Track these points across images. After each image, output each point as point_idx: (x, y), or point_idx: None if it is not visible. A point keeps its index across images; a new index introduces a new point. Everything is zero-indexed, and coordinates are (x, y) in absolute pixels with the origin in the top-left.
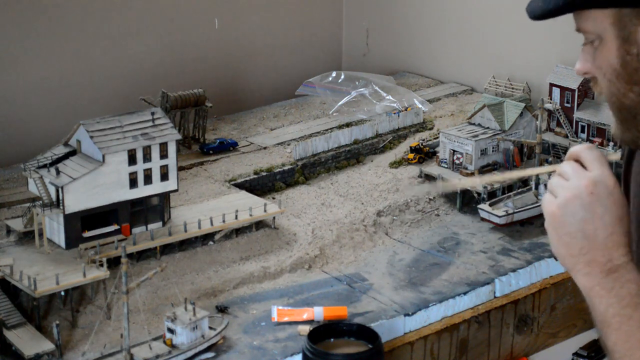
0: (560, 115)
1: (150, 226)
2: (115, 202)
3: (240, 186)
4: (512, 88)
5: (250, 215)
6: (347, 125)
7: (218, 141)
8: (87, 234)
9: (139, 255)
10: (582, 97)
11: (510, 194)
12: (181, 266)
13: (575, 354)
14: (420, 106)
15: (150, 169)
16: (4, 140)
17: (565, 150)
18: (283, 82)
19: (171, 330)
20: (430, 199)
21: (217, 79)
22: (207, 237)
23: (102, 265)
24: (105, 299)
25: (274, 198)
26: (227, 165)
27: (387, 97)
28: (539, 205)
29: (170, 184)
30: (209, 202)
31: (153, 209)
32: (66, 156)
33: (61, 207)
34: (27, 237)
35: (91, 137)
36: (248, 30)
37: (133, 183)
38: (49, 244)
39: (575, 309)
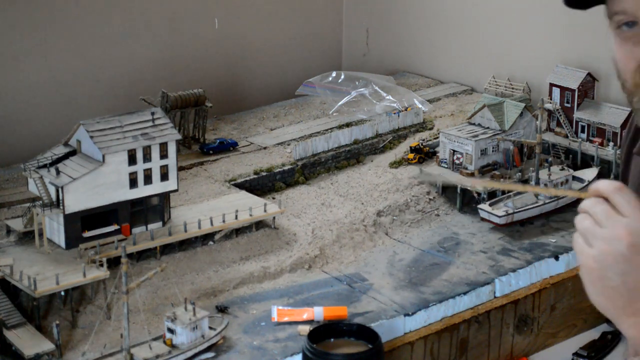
0: (560, 115)
1: (150, 226)
2: (115, 202)
3: (240, 186)
4: (512, 88)
5: (250, 215)
6: (347, 125)
7: (218, 141)
8: (87, 234)
9: (139, 255)
10: (582, 97)
11: (510, 194)
12: (181, 266)
13: (575, 354)
14: (420, 106)
15: (150, 169)
16: (4, 140)
17: (565, 150)
18: (283, 82)
19: (171, 330)
20: (430, 199)
21: (217, 79)
22: (207, 237)
23: (102, 265)
24: (105, 299)
25: (274, 198)
26: (227, 165)
27: (387, 97)
28: (539, 205)
29: (170, 184)
30: (209, 202)
31: (153, 209)
32: (66, 156)
33: (61, 207)
34: (27, 237)
35: (91, 137)
36: (248, 30)
37: (133, 183)
38: (49, 244)
39: (575, 309)
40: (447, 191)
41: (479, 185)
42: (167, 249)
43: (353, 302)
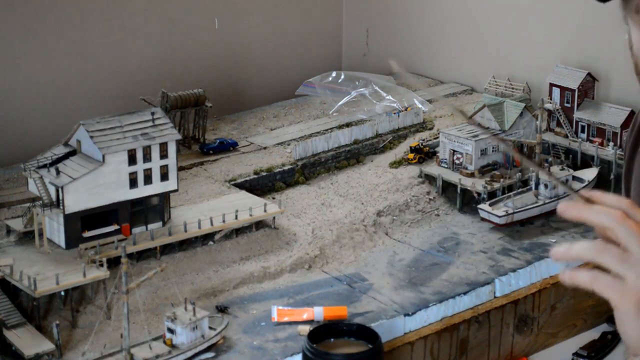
0: (560, 115)
1: (150, 226)
2: (115, 202)
3: (240, 186)
4: (512, 88)
5: (250, 215)
6: (347, 125)
7: (218, 141)
8: (87, 234)
9: (139, 255)
10: (582, 97)
11: (510, 194)
12: (181, 266)
13: (575, 354)
14: (420, 106)
15: (150, 169)
16: (4, 140)
17: (565, 150)
18: (283, 82)
19: (171, 330)
20: (430, 199)
21: (217, 79)
22: (207, 237)
23: (102, 265)
24: (105, 299)
25: (274, 198)
26: (227, 165)
27: (387, 97)
28: (539, 205)
29: (170, 184)
30: (209, 202)
31: (153, 209)
32: (66, 156)
33: (61, 207)
34: (27, 237)
35: (91, 137)
36: (248, 30)
37: (133, 183)
38: (49, 244)
39: (575, 309)
40: (447, 191)
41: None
42: (167, 249)
43: (353, 302)
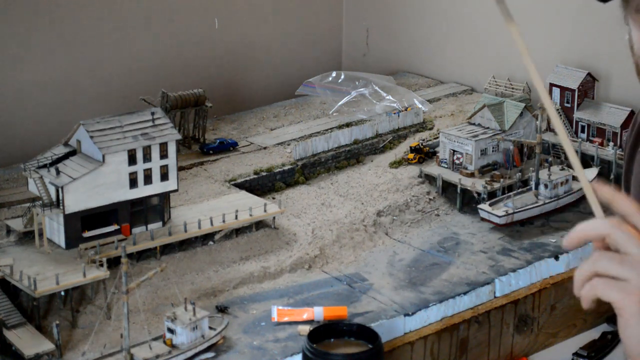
0: (561, 115)
1: (150, 226)
2: (115, 202)
3: (240, 186)
4: (512, 88)
5: (250, 215)
6: (347, 125)
7: (218, 141)
8: (87, 234)
9: (139, 255)
10: (582, 97)
11: (510, 194)
12: (181, 266)
13: (575, 354)
14: (420, 106)
15: (150, 169)
16: (4, 140)
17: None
18: (283, 82)
19: (171, 330)
20: (430, 199)
21: (217, 79)
22: (207, 237)
23: (102, 265)
24: (105, 299)
25: (274, 198)
26: (227, 165)
27: (387, 97)
28: (539, 205)
29: (170, 184)
30: (209, 202)
31: (153, 209)
32: (66, 156)
33: (61, 207)
34: (27, 237)
35: (91, 137)
36: (248, 30)
37: (133, 183)
38: (49, 244)
39: (575, 309)
40: (447, 191)
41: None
42: (167, 249)
43: (353, 302)
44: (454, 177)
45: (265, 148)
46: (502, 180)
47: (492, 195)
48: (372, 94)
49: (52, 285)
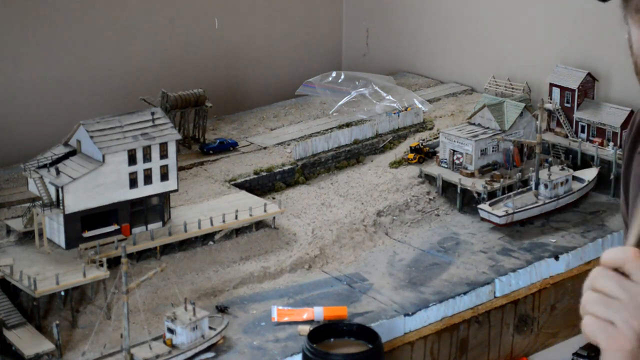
0: (560, 115)
1: (150, 226)
2: (115, 202)
3: (240, 186)
4: (512, 88)
5: (250, 215)
6: (347, 125)
7: (218, 141)
8: (87, 234)
9: (139, 255)
10: (582, 97)
11: (510, 194)
12: (181, 266)
13: (575, 354)
14: (420, 106)
15: (150, 169)
16: (4, 140)
17: (565, 150)
18: (283, 82)
19: (171, 330)
20: (430, 199)
21: (217, 79)
22: (207, 237)
23: (102, 265)
24: (105, 299)
25: (274, 198)
26: (227, 165)
27: (387, 97)
28: (539, 205)
29: (170, 184)
30: (209, 202)
31: (153, 209)
32: (66, 156)
33: (61, 207)
34: (27, 237)
35: (91, 137)
36: (248, 30)
37: (133, 183)
38: (49, 244)
39: (575, 309)
40: (447, 191)
41: None
42: (167, 249)
43: (353, 302)
44: (454, 177)
45: (265, 148)
46: (502, 180)
47: (492, 195)
48: (372, 94)
49: (52, 285)
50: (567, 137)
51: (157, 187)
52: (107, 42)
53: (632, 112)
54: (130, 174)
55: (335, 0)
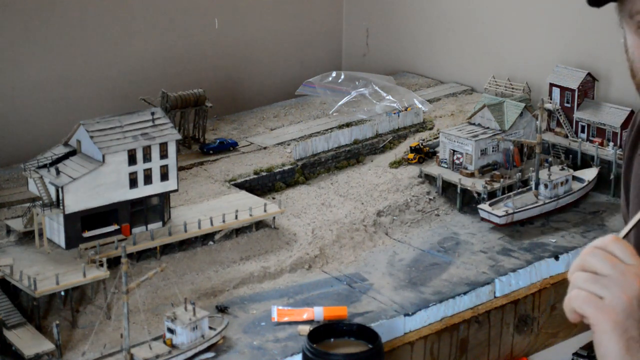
0: (560, 115)
1: (150, 226)
2: (115, 202)
3: (240, 186)
4: (512, 88)
5: (250, 215)
6: (347, 125)
7: (218, 141)
8: (87, 234)
9: (139, 255)
10: (582, 97)
11: (510, 194)
12: (181, 266)
13: (575, 354)
14: (420, 106)
15: (150, 169)
16: (4, 140)
17: (565, 150)
18: (283, 82)
19: (171, 330)
20: (430, 199)
21: (217, 79)
22: (207, 237)
23: (102, 265)
24: (105, 299)
25: (274, 198)
26: (227, 165)
27: (387, 97)
28: (539, 205)
29: (170, 184)
30: (209, 202)
31: (153, 209)
32: (66, 156)
33: (61, 207)
34: (27, 237)
35: (91, 137)
36: (248, 30)
37: (133, 183)
38: (49, 244)
39: None
40: (447, 191)
41: None
42: (167, 249)
43: (353, 302)
44: (454, 177)
45: (265, 148)
46: (502, 180)
47: (492, 195)
48: (372, 94)
49: (52, 285)
50: (567, 137)
51: (157, 187)
52: (107, 42)
53: (632, 112)
54: (130, 174)
55: (335, 1)
